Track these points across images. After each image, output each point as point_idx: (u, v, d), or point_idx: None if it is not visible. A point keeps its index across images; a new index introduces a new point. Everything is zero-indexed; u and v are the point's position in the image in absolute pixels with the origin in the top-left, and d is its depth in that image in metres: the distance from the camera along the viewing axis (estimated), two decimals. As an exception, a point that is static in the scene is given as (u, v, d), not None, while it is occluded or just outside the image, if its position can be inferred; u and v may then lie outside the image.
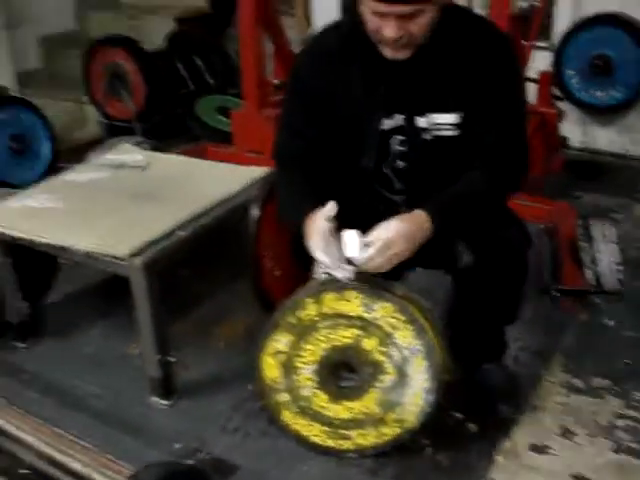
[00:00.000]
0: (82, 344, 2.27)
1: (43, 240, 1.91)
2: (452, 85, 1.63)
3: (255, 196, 2.12)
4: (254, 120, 3.18)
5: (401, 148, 1.70)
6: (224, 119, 3.65)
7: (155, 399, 1.97)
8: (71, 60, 4.56)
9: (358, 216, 1.65)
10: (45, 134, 3.54)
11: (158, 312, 1.87)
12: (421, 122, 1.65)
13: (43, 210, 2.07)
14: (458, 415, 1.89)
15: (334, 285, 1.65)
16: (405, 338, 1.65)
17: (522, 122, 1.72)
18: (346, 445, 1.76)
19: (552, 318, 2.29)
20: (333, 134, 1.71)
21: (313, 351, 1.71)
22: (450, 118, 1.65)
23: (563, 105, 3.33)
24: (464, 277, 1.73)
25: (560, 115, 3.19)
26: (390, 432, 1.72)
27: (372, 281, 1.65)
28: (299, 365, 1.73)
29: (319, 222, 1.58)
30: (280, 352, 1.73)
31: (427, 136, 1.66)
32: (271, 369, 1.74)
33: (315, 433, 1.77)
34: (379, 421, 1.72)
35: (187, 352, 2.14)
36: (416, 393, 1.67)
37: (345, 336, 1.68)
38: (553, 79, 3.24)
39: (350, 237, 1.56)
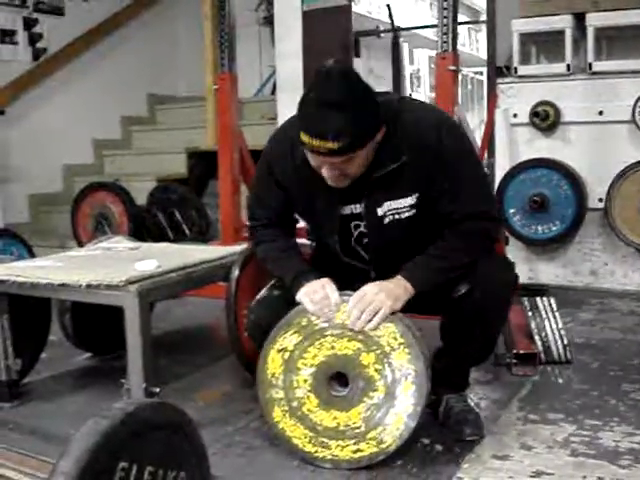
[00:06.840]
0: (67, 404, 2.37)
1: (44, 281, 2.10)
2: (405, 173, 1.78)
3: (235, 260, 2.37)
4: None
5: (362, 230, 1.89)
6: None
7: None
8: (55, 216, 4.97)
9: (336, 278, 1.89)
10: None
11: (147, 341, 2.03)
12: (380, 211, 1.84)
13: (44, 266, 2.28)
14: (425, 440, 2.01)
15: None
16: (400, 360, 1.79)
17: (479, 182, 1.88)
18: (323, 454, 1.84)
19: (508, 380, 2.47)
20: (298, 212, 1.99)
21: (315, 355, 1.84)
22: (406, 202, 1.82)
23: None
24: (456, 304, 1.88)
25: (506, 238, 3.57)
26: (367, 449, 1.81)
27: None
28: (300, 366, 1.85)
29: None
30: (286, 350, 1.85)
31: (386, 220, 1.84)
32: (274, 364, 1.87)
33: (297, 435, 1.86)
34: (360, 436, 1.81)
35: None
36: (399, 416, 1.79)
37: (347, 347, 1.82)
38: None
39: None
